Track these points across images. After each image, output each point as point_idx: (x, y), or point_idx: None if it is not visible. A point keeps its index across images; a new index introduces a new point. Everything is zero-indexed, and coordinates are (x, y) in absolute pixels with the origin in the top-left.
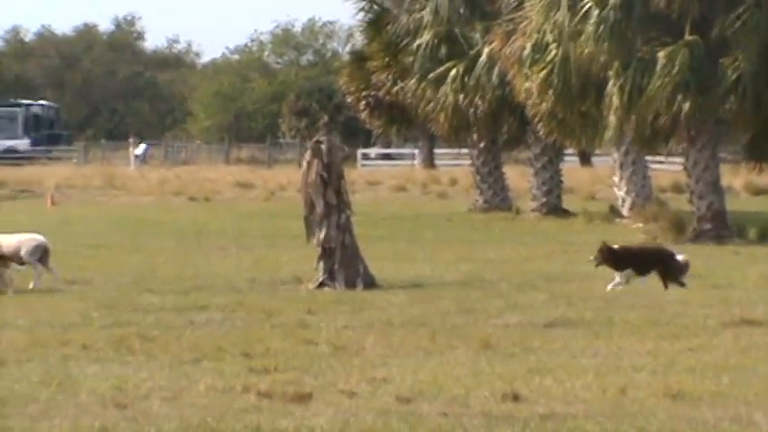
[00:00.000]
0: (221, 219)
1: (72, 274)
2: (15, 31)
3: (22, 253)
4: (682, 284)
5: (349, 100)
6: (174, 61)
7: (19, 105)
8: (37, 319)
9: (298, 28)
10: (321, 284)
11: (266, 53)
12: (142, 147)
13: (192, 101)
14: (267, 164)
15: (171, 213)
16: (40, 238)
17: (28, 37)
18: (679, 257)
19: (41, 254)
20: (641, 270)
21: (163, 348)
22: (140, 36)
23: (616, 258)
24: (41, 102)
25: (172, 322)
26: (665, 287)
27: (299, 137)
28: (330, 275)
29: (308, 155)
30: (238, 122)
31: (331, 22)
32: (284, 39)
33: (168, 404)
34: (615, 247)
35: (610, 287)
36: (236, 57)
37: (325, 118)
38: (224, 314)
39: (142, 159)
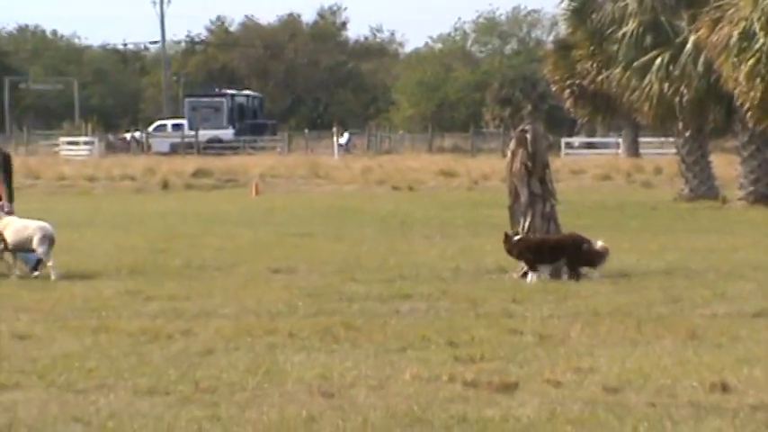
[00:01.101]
0: (425, 208)
1: (277, 264)
2: (221, 21)
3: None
4: (578, 276)
5: (553, 89)
6: (377, 51)
7: (224, 95)
8: (243, 308)
9: (501, 17)
10: (525, 274)
11: (469, 42)
12: (346, 136)
13: (394, 90)
14: (470, 153)
15: (374, 202)
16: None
17: (233, 27)
18: (598, 244)
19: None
20: (548, 259)
21: (368, 337)
22: (344, 26)
23: (516, 248)
24: (246, 92)
25: (376, 311)
26: (575, 277)
27: (502, 126)
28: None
29: (512, 144)
30: (441, 112)
31: (535, 11)
32: (488, 27)
33: (374, 393)
34: (516, 236)
35: (526, 278)
36: (439, 46)
37: (529, 107)
38: (428, 303)
39: (345, 149)
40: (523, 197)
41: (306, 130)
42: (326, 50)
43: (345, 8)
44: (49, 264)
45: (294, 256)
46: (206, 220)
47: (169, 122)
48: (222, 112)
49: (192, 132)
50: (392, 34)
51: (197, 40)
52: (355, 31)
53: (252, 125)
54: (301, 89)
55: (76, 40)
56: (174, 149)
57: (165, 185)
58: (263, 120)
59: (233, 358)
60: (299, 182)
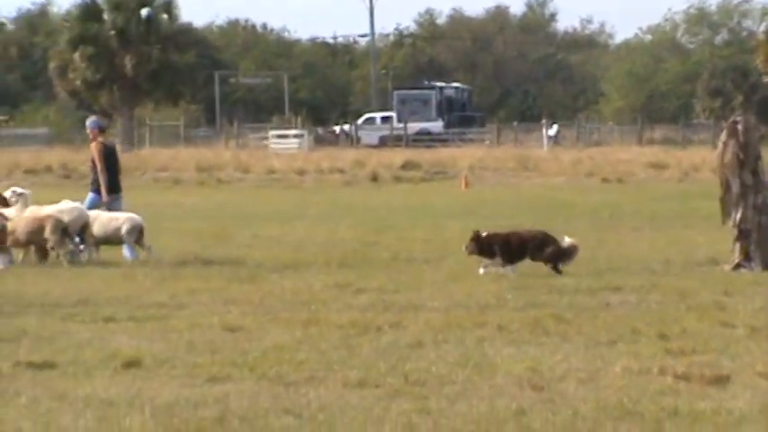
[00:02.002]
0: (634, 200)
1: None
2: (429, 14)
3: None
4: (557, 271)
5: (765, 79)
6: (586, 42)
7: (432, 88)
8: (452, 301)
9: (712, 7)
10: (737, 266)
11: (679, 33)
12: (554, 128)
13: (604, 82)
14: (680, 144)
15: (583, 195)
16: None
17: (441, 20)
18: (566, 241)
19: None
20: (515, 256)
21: (577, 330)
22: (552, 17)
23: (485, 246)
24: (454, 84)
25: (586, 304)
26: (557, 272)
27: (712, 117)
28: (747, 257)
29: (723, 135)
30: (651, 103)
31: (746, 1)
32: (698, 18)
33: (584, 386)
34: (483, 234)
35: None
36: (649, 37)
37: (740, 98)
38: (639, 295)
39: (554, 141)
40: (735, 188)
41: (514, 123)
42: (535, 42)
43: (553, 0)
44: (144, 253)
45: None
46: (415, 213)
47: (378, 115)
48: (431, 105)
49: (401, 125)
50: (601, 25)
51: (405, 33)
52: (564, 22)
53: (460, 117)
54: (510, 81)
55: (286, 34)
56: (383, 142)
57: (374, 178)
58: (471, 112)
59: (442, 351)
60: (508, 174)
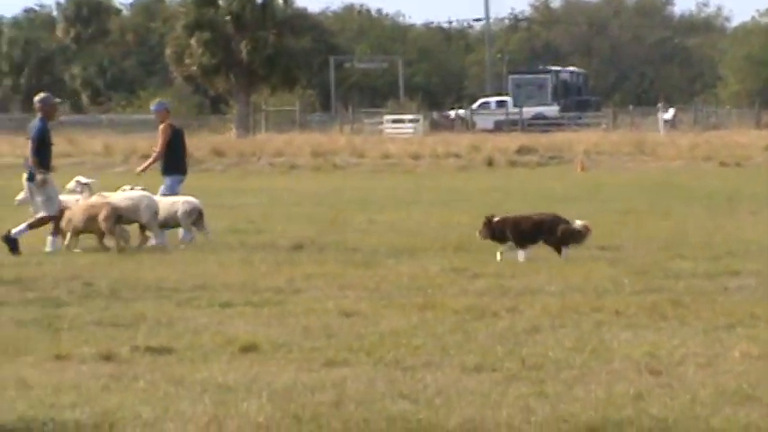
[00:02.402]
0: (753, 184)
1: (602, 240)
2: None
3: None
4: (559, 252)
5: None
6: (703, 25)
7: (548, 72)
8: (569, 285)
9: None
10: None
11: None
12: (671, 112)
13: (721, 65)
14: None
15: (700, 179)
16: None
17: (556, 4)
18: (577, 224)
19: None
20: (527, 240)
21: (695, 314)
22: (669, 1)
23: (497, 231)
24: (570, 68)
25: (704, 288)
26: (559, 254)
27: None
28: None
29: None
30: None
31: None
32: None
33: (702, 370)
34: (496, 218)
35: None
36: (767, 20)
37: None
38: (757, 280)
39: (671, 124)
40: None
41: (630, 107)
42: (651, 26)
43: None
44: (205, 233)
45: (619, 232)
46: (530, 197)
47: (493, 100)
48: (546, 89)
49: (516, 109)
50: (718, 9)
51: (520, 17)
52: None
53: (576, 101)
54: (625, 65)
55: (401, 19)
56: (498, 126)
57: (490, 162)
58: (587, 96)
59: (559, 336)
60: (624, 158)
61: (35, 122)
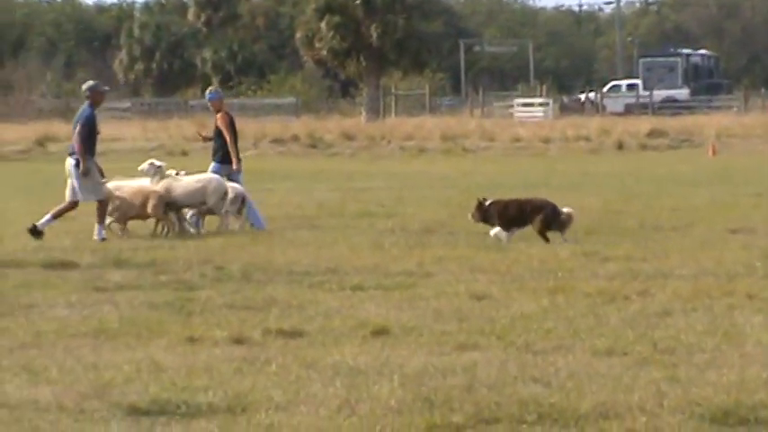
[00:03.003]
0: None
1: (734, 224)
2: None
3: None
4: (545, 239)
5: None
6: None
7: (679, 55)
8: (700, 269)
9: None
10: None
11: None
12: None
13: None
14: None
15: None
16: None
17: None
18: (564, 210)
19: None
20: (514, 223)
21: None
22: None
23: (487, 213)
24: (701, 51)
25: None
26: (544, 240)
27: None
28: None
29: None
30: None
31: None
32: None
33: None
34: (487, 201)
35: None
36: None
37: None
38: None
39: None
40: None
41: (762, 89)
42: None
43: None
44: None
45: (752, 216)
46: (661, 181)
47: (623, 83)
48: (677, 72)
49: (647, 92)
50: None
51: (651, 1)
52: None
53: (707, 84)
54: (758, 47)
55: (531, 2)
56: (629, 110)
57: (620, 146)
58: (718, 79)
59: (691, 319)
60: (756, 141)
61: (84, 109)
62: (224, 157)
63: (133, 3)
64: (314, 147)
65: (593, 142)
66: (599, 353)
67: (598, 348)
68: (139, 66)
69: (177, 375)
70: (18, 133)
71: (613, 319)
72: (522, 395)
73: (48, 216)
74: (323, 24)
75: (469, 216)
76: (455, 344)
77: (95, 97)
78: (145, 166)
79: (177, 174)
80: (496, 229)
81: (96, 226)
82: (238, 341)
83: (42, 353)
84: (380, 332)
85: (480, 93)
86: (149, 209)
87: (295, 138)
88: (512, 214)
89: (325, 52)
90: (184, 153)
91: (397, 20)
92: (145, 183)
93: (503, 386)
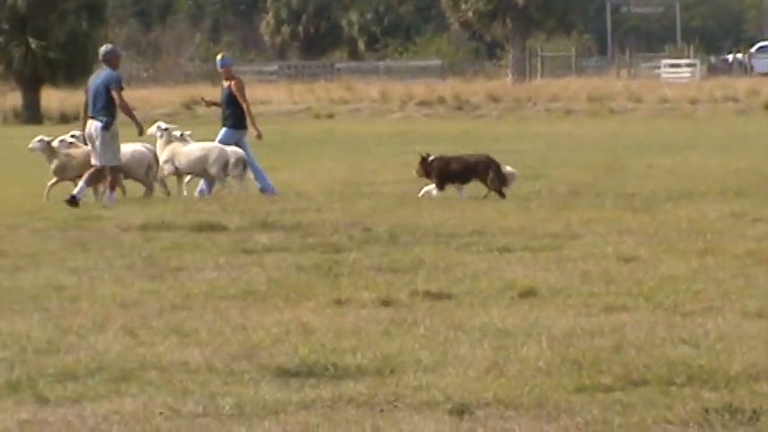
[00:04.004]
0: None
1: None
2: None
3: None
4: (502, 195)
5: None
6: None
7: None
8: None
9: None
10: None
11: None
12: None
13: None
14: None
15: None
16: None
17: None
18: (507, 168)
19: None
20: (460, 179)
21: None
22: None
23: (429, 169)
24: None
25: None
26: (485, 195)
27: None
28: None
29: None
30: None
31: None
32: None
33: None
34: (431, 157)
35: (421, 193)
36: None
37: None
38: None
39: None
40: None
41: None
42: None
43: None
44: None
45: None
46: None
47: None
48: None
49: None
50: None
51: None
52: None
53: None
54: None
55: None
56: None
57: None
58: None
59: None
60: None
61: (109, 73)
62: (235, 123)
63: None
64: (460, 109)
65: (741, 103)
66: (749, 314)
67: (748, 310)
68: (286, 29)
69: (325, 337)
70: (165, 96)
71: (763, 280)
72: (671, 357)
73: (81, 184)
74: None
75: (414, 172)
76: (603, 305)
77: (116, 60)
78: (152, 129)
79: (182, 135)
80: (429, 187)
81: (81, 184)
82: (386, 303)
83: (192, 315)
84: (528, 294)
85: (627, 54)
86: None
87: (441, 100)
88: (454, 170)
89: (471, 14)
90: (330, 116)
91: None
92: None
93: (651, 348)
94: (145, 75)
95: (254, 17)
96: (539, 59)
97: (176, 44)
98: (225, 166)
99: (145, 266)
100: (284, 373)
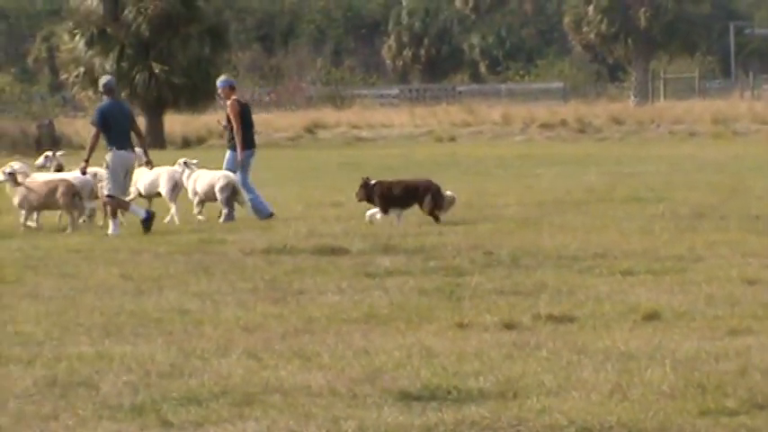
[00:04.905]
0: None
1: None
2: None
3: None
4: (436, 219)
5: None
6: None
7: None
8: None
9: None
10: None
11: None
12: None
13: None
14: None
15: None
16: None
17: None
18: (447, 193)
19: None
20: (401, 204)
21: None
22: None
23: (371, 193)
24: None
25: None
26: (436, 220)
27: None
28: None
29: None
30: None
31: None
32: None
33: None
34: (372, 181)
35: (367, 217)
36: None
37: None
38: None
39: None
40: None
41: None
42: None
43: None
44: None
45: None
46: None
47: None
48: None
49: None
50: None
51: None
52: None
53: None
54: None
55: None
56: None
57: None
58: None
59: None
60: None
61: (121, 105)
62: (235, 145)
63: None
64: (582, 131)
65: None
66: None
67: None
68: (407, 52)
69: (448, 360)
70: (288, 120)
71: None
72: None
73: (135, 208)
74: (591, 8)
75: (354, 194)
76: (727, 328)
77: (114, 92)
78: (180, 162)
79: (186, 163)
80: (373, 211)
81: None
82: (508, 326)
83: (314, 338)
84: (651, 317)
85: (750, 76)
86: (58, 197)
87: (563, 122)
88: (396, 195)
89: (593, 36)
90: (452, 139)
91: (667, 3)
92: (62, 175)
93: None
94: (267, 99)
95: (375, 41)
96: (661, 81)
97: (298, 68)
98: (224, 190)
99: (268, 290)
100: (407, 397)
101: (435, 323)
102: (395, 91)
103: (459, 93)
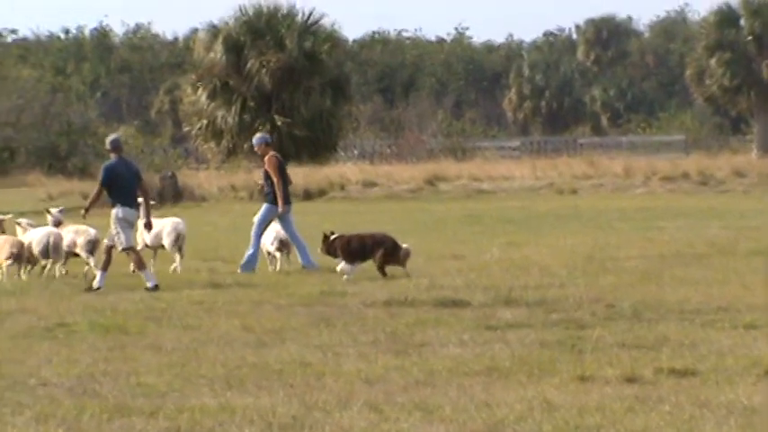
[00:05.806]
0: None
1: None
2: None
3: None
4: (383, 274)
5: None
6: None
7: None
8: None
9: None
10: None
11: None
12: None
13: None
14: None
15: None
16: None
17: None
18: (403, 246)
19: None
20: (360, 257)
21: None
22: None
23: (331, 247)
24: None
25: None
26: (382, 274)
27: None
28: None
29: None
30: None
31: None
32: None
33: None
34: (333, 235)
35: (338, 270)
36: None
37: None
38: None
39: None
40: None
41: None
42: None
43: None
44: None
45: None
46: None
47: None
48: None
49: None
50: None
51: None
52: None
53: None
54: None
55: None
56: None
57: None
58: None
59: None
60: None
61: (129, 163)
62: (274, 199)
63: (522, 42)
64: (704, 184)
65: None
66: None
67: None
68: (528, 104)
69: (569, 414)
70: (409, 172)
71: None
72: None
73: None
74: (713, 61)
75: (319, 249)
76: None
77: (121, 149)
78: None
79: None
80: (342, 264)
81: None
82: (630, 380)
83: (436, 391)
84: None
85: None
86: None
87: (685, 175)
88: (354, 248)
89: (715, 88)
90: (573, 191)
91: None
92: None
93: None
94: (388, 151)
95: (496, 93)
96: None
97: (419, 120)
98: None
99: (389, 342)
100: None
101: (557, 376)
102: (516, 143)
103: (581, 145)
